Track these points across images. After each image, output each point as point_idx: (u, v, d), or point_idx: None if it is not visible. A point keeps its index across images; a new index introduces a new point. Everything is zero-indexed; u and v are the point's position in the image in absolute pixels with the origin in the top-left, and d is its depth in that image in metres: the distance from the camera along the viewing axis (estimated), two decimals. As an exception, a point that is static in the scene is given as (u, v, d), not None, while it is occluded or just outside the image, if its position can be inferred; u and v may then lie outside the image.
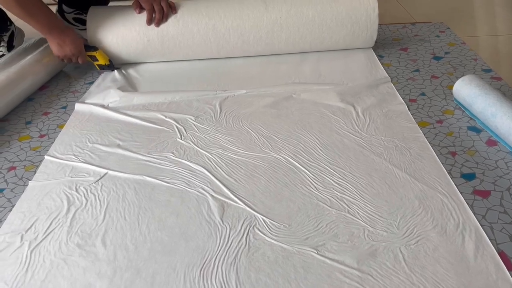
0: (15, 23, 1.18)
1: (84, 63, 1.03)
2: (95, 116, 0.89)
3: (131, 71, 1.06)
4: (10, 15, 1.11)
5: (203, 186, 0.69)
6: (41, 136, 0.85)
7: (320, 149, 0.75)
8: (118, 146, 0.79)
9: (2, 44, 1.14)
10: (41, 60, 1.00)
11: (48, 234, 0.62)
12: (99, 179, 0.71)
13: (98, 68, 1.05)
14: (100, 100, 0.93)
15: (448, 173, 0.68)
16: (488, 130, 0.77)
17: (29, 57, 0.98)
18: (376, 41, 1.08)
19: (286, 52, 1.08)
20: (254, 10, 1.01)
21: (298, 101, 0.89)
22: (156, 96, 0.93)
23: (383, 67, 1.01)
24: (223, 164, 0.73)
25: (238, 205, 0.65)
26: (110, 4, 1.23)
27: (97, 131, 0.84)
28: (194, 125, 0.84)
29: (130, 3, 1.05)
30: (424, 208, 0.62)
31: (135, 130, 0.83)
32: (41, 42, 1.04)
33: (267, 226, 0.61)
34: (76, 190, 0.69)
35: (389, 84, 0.94)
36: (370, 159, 0.72)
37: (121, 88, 0.96)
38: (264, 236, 0.59)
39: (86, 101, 0.93)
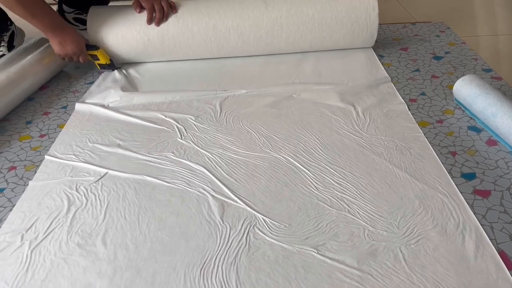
0: (16, 23, 1.18)
1: (85, 62, 1.03)
2: (96, 116, 0.89)
3: (132, 71, 1.06)
4: (10, 15, 1.11)
5: (204, 185, 0.69)
6: (42, 136, 0.85)
7: (320, 149, 0.75)
8: (119, 146, 0.79)
9: (2, 44, 1.14)
10: (41, 60, 1.00)
11: (48, 234, 0.62)
12: (100, 179, 0.71)
13: (98, 68, 1.05)
14: (101, 100, 0.93)
15: (448, 172, 0.68)
16: (488, 130, 0.77)
17: (29, 57, 0.98)
18: (376, 41, 1.08)
19: (286, 52, 1.08)
20: (254, 10, 1.01)
21: (298, 101, 0.89)
22: (157, 96, 0.93)
23: (383, 67, 1.01)
24: (224, 164, 0.73)
25: (238, 204, 0.65)
26: (110, 4, 1.23)
27: (97, 131, 0.84)
28: (195, 125, 0.84)
29: (130, 3, 1.05)
30: (424, 207, 0.62)
31: (135, 130, 0.83)
32: (41, 42, 1.04)
33: (267, 226, 0.61)
34: (77, 190, 0.69)
35: (389, 84, 0.94)
36: (370, 159, 0.72)
37: (122, 88, 0.96)
38: (264, 236, 0.59)
39: (86, 101, 0.93)
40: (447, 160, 0.71)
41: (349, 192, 0.66)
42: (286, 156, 0.74)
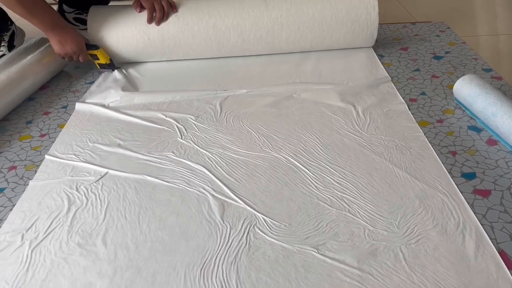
0: (16, 23, 1.18)
1: (85, 62, 1.03)
2: (96, 115, 0.89)
3: (132, 71, 1.06)
4: (11, 14, 1.11)
5: (204, 185, 0.69)
6: (42, 135, 0.85)
7: (321, 149, 0.75)
8: (119, 145, 0.79)
9: (3, 44, 1.14)
10: (41, 59, 1.00)
11: (48, 234, 0.62)
12: (100, 179, 0.71)
13: (98, 67, 1.05)
14: (101, 100, 0.93)
15: (448, 172, 0.68)
16: (489, 130, 0.77)
17: (29, 56, 0.98)
18: (376, 41, 1.08)
19: (287, 51, 1.08)
20: (254, 9, 1.01)
21: (298, 101, 0.89)
22: (157, 96, 0.93)
23: (384, 67, 1.01)
24: (224, 163, 0.73)
25: (238, 204, 0.65)
26: (111, 4, 1.23)
27: (97, 131, 0.84)
28: (195, 124, 0.84)
29: (130, 2, 1.05)
30: (424, 207, 0.62)
31: (135, 130, 0.83)
32: (42, 42, 1.04)
33: (268, 225, 0.61)
34: (77, 190, 0.69)
35: (390, 83, 0.94)
36: (370, 159, 0.72)
37: (122, 88, 0.96)
38: (265, 236, 0.59)
39: (86, 101, 0.93)
40: (447, 160, 0.71)
41: (349, 191, 0.66)
42: (286, 156, 0.74)
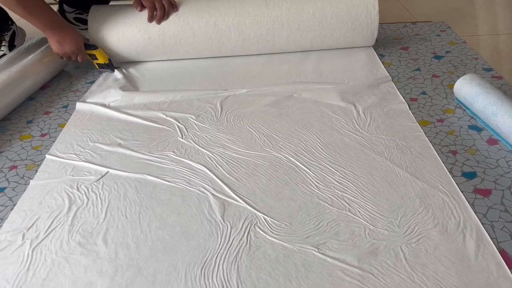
0: (17, 23, 1.18)
1: (84, 62, 1.03)
2: (96, 115, 0.89)
3: (132, 71, 1.06)
4: (11, 14, 1.11)
5: (204, 185, 0.69)
6: (42, 135, 0.85)
7: (321, 148, 0.75)
8: (119, 145, 0.79)
9: (3, 44, 1.14)
10: (42, 59, 1.00)
11: (49, 233, 0.62)
12: (100, 178, 0.71)
13: (97, 67, 1.05)
14: (101, 99, 0.93)
15: (449, 171, 0.68)
16: (489, 129, 0.77)
17: (30, 56, 0.98)
18: (377, 40, 1.08)
19: (287, 51, 1.08)
20: (255, 8, 1.01)
21: (299, 100, 0.89)
22: (157, 95, 0.93)
23: (384, 66, 1.01)
24: (224, 163, 0.73)
25: (239, 203, 0.65)
26: (111, 3, 1.23)
27: (98, 130, 0.84)
28: (195, 124, 0.84)
29: (131, 2, 1.05)
30: (425, 206, 0.62)
31: (136, 129, 0.83)
32: (42, 41, 1.04)
33: (268, 225, 0.61)
34: (77, 189, 0.69)
35: (390, 83, 0.94)
36: (371, 158, 0.72)
37: (122, 88, 0.96)
38: (265, 235, 0.59)
39: (87, 100, 0.93)
40: (447, 159, 0.71)
41: (350, 191, 0.66)
42: (287, 155, 0.74)
